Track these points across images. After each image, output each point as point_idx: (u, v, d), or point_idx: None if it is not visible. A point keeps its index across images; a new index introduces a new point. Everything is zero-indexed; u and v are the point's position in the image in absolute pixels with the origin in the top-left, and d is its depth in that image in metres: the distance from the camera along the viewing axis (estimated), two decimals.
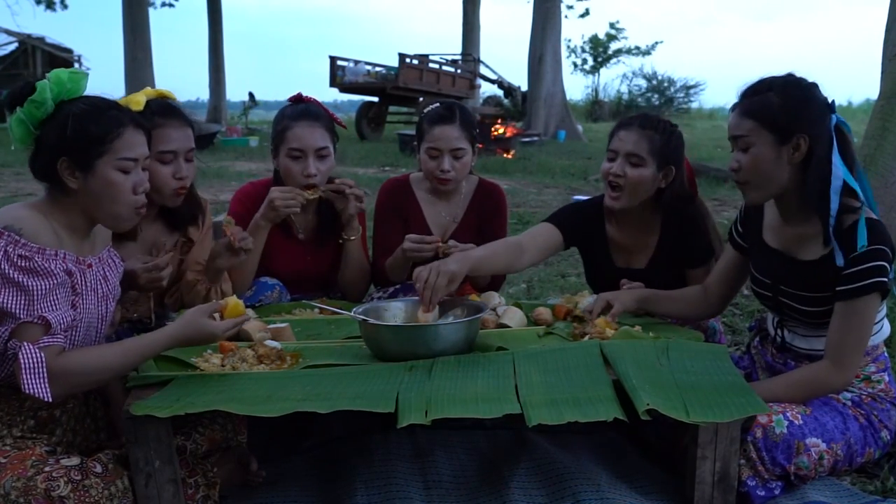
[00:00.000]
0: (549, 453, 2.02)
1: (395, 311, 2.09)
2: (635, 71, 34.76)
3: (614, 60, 34.24)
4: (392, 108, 17.95)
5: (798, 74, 1.91)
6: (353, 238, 2.48)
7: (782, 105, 1.85)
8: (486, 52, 32.96)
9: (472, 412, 1.57)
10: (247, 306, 2.09)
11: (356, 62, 16.64)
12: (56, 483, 1.50)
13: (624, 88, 31.81)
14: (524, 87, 18.75)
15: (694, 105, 31.64)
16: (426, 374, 1.76)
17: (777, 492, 1.86)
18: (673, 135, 2.31)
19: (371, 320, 1.95)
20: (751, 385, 1.79)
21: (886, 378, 2.00)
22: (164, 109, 2.09)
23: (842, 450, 1.90)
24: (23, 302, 1.54)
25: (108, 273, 1.79)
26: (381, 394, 1.65)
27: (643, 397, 1.61)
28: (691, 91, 30.91)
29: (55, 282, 1.59)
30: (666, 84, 30.80)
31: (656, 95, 30.53)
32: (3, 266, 1.52)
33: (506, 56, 27.22)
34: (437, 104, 2.62)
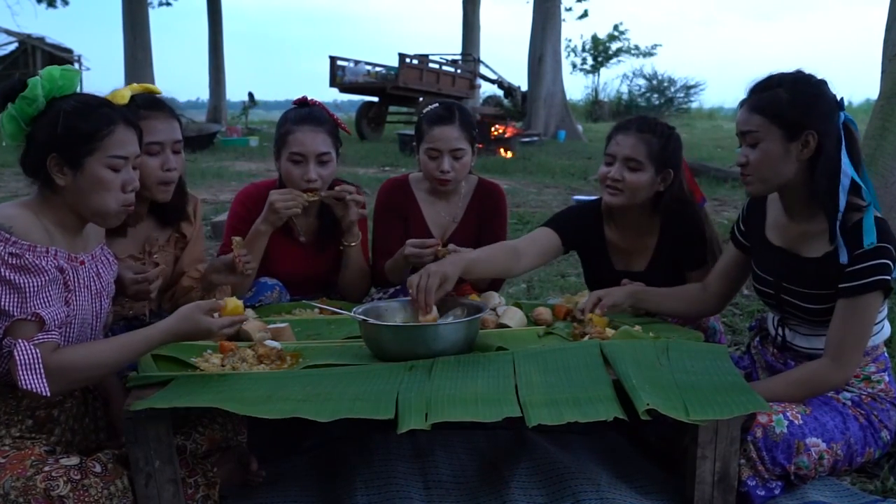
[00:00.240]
0: (549, 453, 2.02)
1: (395, 311, 2.09)
2: (635, 71, 34.79)
3: (614, 60, 34.26)
4: (392, 108, 17.95)
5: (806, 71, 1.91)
6: (352, 245, 2.48)
7: (792, 101, 1.85)
8: (486, 52, 32.97)
9: (472, 415, 1.57)
10: (247, 306, 2.10)
11: (356, 62, 16.64)
12: (55, 483, 1.49)
13: (624, 88, 31.84)
14: (524, 87, 18.76)
15: (694, 105, 31.65)
16: (426, 374, 1.76)
17: (777, 492, 1.86)
18: (671, 138, 2.31)
19: (371, 320, 1.95)
20: (750, 384, 1.79)
21: (886, 378, 2.00)
22: (150, 102, 2.10)
23: (842, 450, 1.90)
24: (16, 300, 1.54)
25: (101, 270, 1.79)
26: (380, 395, 1.65)
27: (643, 397, 1.61)
28: (691, 91, 30.92)
29: (47, 278, 1.59)
30: (666, 84, 30.80)
31: (656, 95, 30.53)
32: None
33: (506, 56, 27.24)
34: (437, 104, 2.62)
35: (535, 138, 15.32)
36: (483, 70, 19.28)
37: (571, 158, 12.62)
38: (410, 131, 12.45)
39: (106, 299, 1.81)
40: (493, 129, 13.26)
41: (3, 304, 1.53)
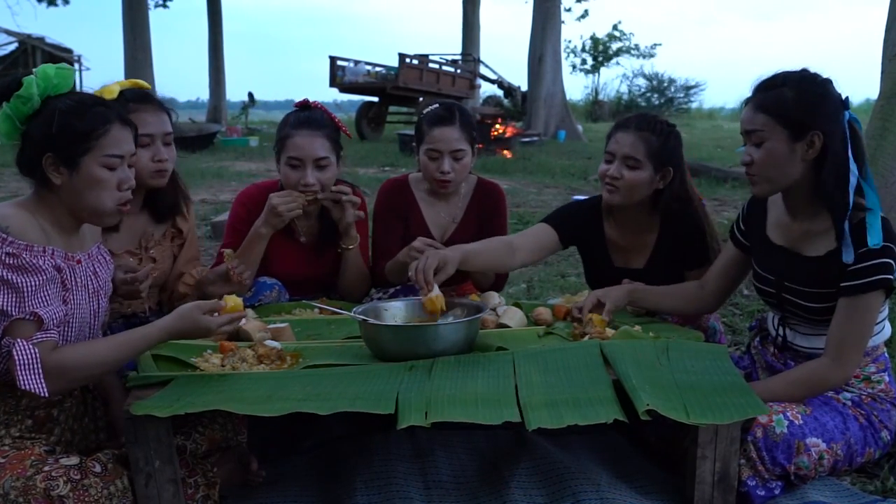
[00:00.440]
0: (549, 453, 2.02)
1: (395, 311, 2.09)
2: (635, 71, 34.79)
3: (614, 60, 34.26)
4: (392, 108, 17.94)
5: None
6: (350, 248, 2.47)
7: (797, 101, 1.84)
8: (486, 52, 32.98)
9: (472, 416, 1.57)
10: (246, 306, 2.09)
11: (356, 62, 16.63)
12: (55, 482, 1.49)
13: (624, 88, 31.86)
14: (524, 87, 18.75)
15: (694, 105, 31.67)
16: (426, 374, 1.76)
17: (777, 492, 1.86)
18: (670, 136, 2.30)
19: (371, 320, 1.95)
20: (750, 385, 1.79)
21: (887, 378, 2.00)
22: (139, 96, 2.12)
23: (842, 450, 1.90)
24: (14, 299, 1.54)
25: (98, 269, 1.79)
26: (381, 394, 1.65)
27: (643, 398, 1.61)
28: (691, 91, 30.94)
29: (45, 278, 1.59)
30: (666, 84, 30.81)
31: (656, 95, 30.54)
32: None
33: (506, 56, 27.22)
34: (437, 105, 2.61)
35: (535, 138, 15.32)
36: (483, 70, 19.28)
37: (571, 158, 12.62)
38: (410, 131, 12.45)
39: (104, 298, 1.81)
40: (493, 129, 13.24)
41: (1, 303, 1.53)
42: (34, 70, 1.64)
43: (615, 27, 34.33)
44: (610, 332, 2.06)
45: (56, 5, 21.64)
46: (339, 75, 16.34)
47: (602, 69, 34.58)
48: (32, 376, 1.50)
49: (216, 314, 1.74)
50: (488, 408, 1.60)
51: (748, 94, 1.93)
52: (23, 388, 1.49)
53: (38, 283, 1.57)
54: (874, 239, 1.80)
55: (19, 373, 1.49)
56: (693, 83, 30.88)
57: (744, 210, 2.20)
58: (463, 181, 2.63)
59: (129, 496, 1.60)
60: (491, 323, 2.18)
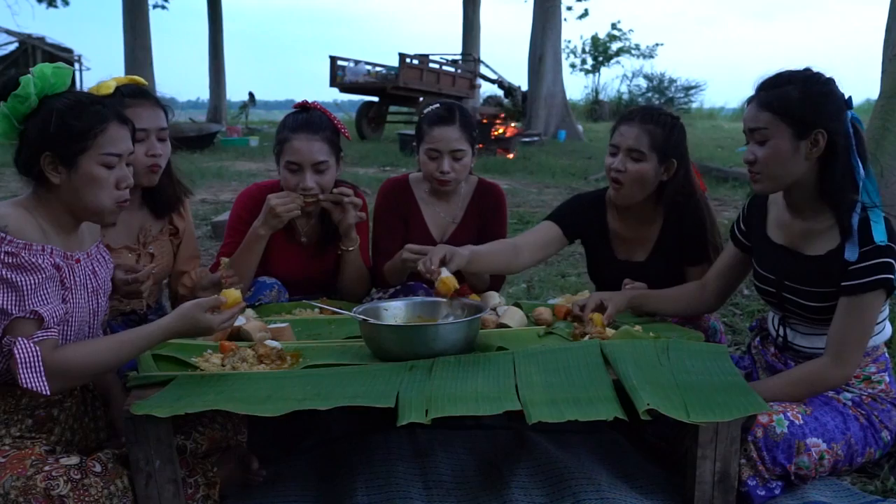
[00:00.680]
0: (549, 453, 2.02)
1: (395, 311, 2.09)
2: (635, 71, 34.81)
3: (615, 60, 34.26)
4: (392, 108, 17.94)
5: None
6: (350, 249, 2.47)
7: (802, 99, 1.84)
8: (486, 52, 32.94)
9: (473, 410, 1.57)
10: (246, 307, 2.09)
11: (356, 62, 16.63)
12: (55, 482, 1.50)
13: (624, 88, 31.84)
14: (524, 87, 18.75)
15: (694, 105, 31.64)
16: (426, 373, 1.76)
17: (777, 491, 1.86)
18: (674, 128, 2.30)
19: (371, 320, 1.95)
20: (750, 384, 1.79)
21: (887, 378, 2.00)
22: (134, 92, 2.14)
23: (842, 450, 1.90)
24: (14, 298, 1.54)
25: (97, 268, 1.79)
26: (381, 393, 1.65)
27: (643, 397, 1.61)
28: (691, 91, 30.93)
29: (44, 276, 1.59)
30: (666, 84, 30.80)
31: (656, 95, 30.52)
32: None
33: (506, 56, 27.20)
34: (437, 105, 2.61)
35: (536, 138, 15.31)
36: (483, 70, 19.27)
37: (572, 158, 12.62)
38: (410, 131, 12.46)
39: (103, 297, 1.81)
40: (493, 129, 13.23)
41: (1, 302, 1.53)
42: (31, 69, 1.64)
43: (614, 26, 34.31)
44: (610, 331, 2.06)
45: (56, 6, 21.63)
46: (339, 75, 16.34)
47: (602, 69, 34.61)
48: (34, 375, 1.50)
49: (217, 311, 1.74)
50: (489, 402, 1.61)
51: (751, 92, 1.93)
52: (24, 386, 1.49)
53: (37, 281, 1.57)
54: (879, 235, 1.80)
55: (21, 371, 1.49)
56: (693, 83, 30.90)
57: (744, 210, 2.20)
58: (463, 181, 2.63)
59: (130, 496, 1.60)
60: (491, 323, 2.18)
